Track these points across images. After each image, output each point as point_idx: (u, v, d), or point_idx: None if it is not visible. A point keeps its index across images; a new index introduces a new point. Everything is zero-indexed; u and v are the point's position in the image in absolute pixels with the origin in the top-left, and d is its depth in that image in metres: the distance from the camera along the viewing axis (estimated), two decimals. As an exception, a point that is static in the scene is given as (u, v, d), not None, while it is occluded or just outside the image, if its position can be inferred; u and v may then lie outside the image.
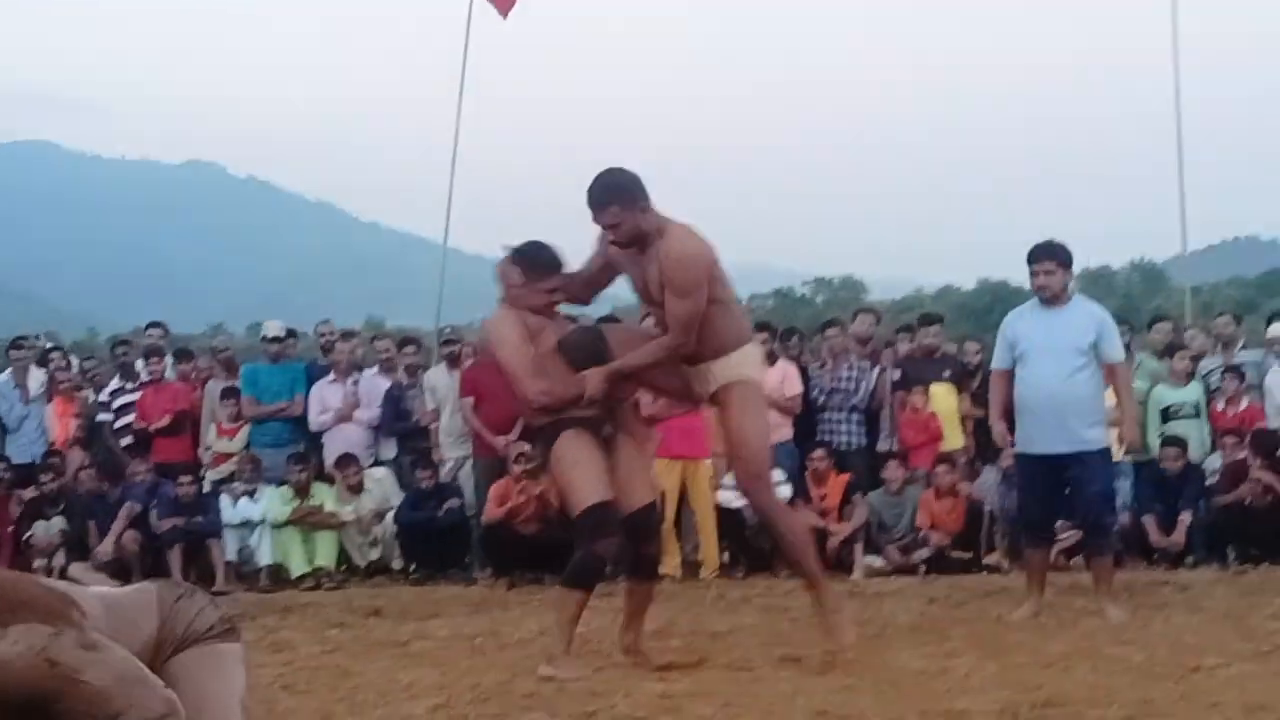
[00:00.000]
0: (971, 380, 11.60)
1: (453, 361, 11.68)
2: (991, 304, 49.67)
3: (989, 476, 11.20)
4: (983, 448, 11.39)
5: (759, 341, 6.36)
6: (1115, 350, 7.91)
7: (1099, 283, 58.77)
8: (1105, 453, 7.97)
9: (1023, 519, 8.44)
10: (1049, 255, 7.82)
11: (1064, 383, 7.69)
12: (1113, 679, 5.71)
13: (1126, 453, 8.42)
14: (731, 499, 10.62)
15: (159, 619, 3.29)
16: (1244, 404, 11.07)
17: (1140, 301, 44.12)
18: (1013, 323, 8.02)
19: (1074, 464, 7.76)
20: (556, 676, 6.03)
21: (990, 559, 10.59)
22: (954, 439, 11.33)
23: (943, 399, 11.36)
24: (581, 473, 6.26)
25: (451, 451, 11.45)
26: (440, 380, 11.59)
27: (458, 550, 11.29)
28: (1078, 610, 7.98)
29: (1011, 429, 8.14)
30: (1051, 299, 7.82)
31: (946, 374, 11.51)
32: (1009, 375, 7.96)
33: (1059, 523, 9.05)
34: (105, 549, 11.06)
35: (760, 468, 6.28)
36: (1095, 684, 5.60)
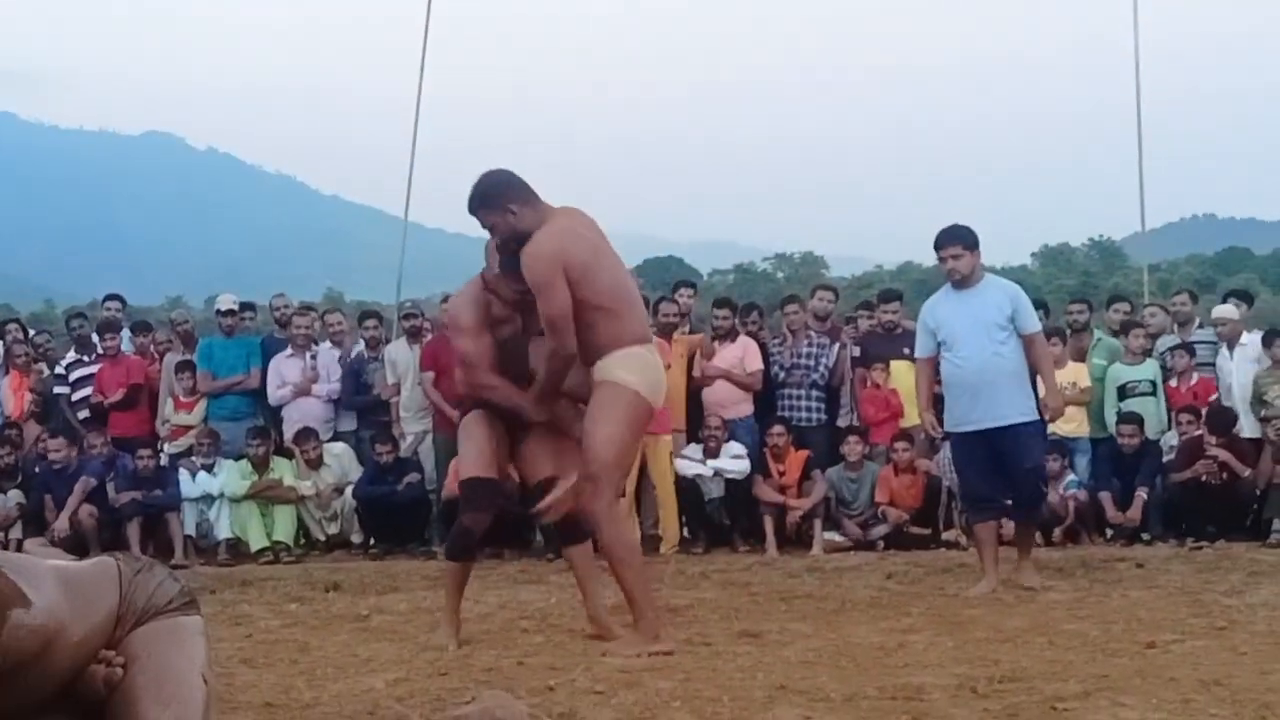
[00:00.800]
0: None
1: (413, 335, 11.66)
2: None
3: (948, 453, 11.24)
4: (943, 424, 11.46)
5: (652, 348, 6.23)
6: (1031, 322, 8.09)
7: (1058, 260, 59.13)
8: (1036, 424, 8.14)
9: (966, 496, 8.54)
10: (954, 240, 8.05)
11: (989, 360, 7.90)
12: (1069, 654, 5.74)
13: (1050, 420, 8.55)
14: (688, 467, 10.67)
15: (119, 592, 3.27)
16: (1194, 379, 11.17)
17: (1099, 279, 44.43)
18: (931, 309, 8.21)
19: (1006, 438, 7.91)
20: (433, 644, 6.24)
21: (949, 535, 10.65)
22: (914, 415, 11.34)
23: (903, 375, 11.34)
24: (469, 447, 6.48)
25: (412, 426, 11.44)
26: (400, 354, 11.57)
27: (417, 525, 11.28)
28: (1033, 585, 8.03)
29: (939, 414, 8.37)
30: (962, 281, 8.04)
31: (906, 350, 11.51)
32: (934, 362, 8.21)
33: None
34: (62, 524, 10.98)
35: (599, 470, 6.03)
36: (1052, 659, 5.62)
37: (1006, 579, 8.01)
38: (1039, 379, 8.29)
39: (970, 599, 7.56)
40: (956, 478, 8.85)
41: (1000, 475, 8.06)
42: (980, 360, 7.89)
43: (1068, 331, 11.52)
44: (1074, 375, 11.10)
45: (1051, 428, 10.74)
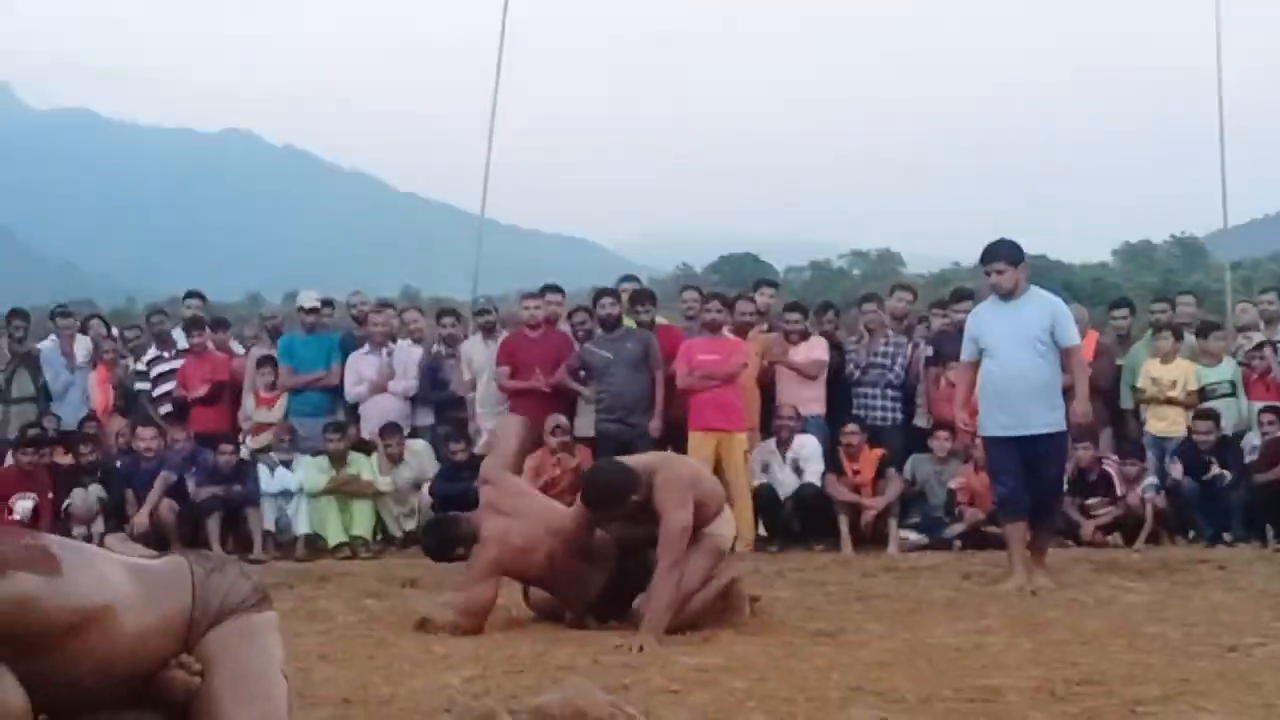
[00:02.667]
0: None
1: (488, 331, 11.71)
2: (1031, 278, 49.29)
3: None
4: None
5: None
6: (1070, 335, 8.41)
7: (1138, 257, 58.27)
8: (1062, 436, 8.46)
9: (996, 498, 8.74)
10: (998, 256, 8.46)
11: (1025, 370, 8.26)
12: (1149, 657, 5.68)
13: (1076, 427, 8.90)
14: (763, 471, 10.67)
15: (191, 593, 3.29)
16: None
17: (1180, 276, 43.76)
18: (975, 318, 8.66)
19: (1034, 445, 8.22)
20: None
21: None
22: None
23: (978, 374, 11.29)
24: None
25: (487, 422, 11.47)
26: (476, 351, 11.63)
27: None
28: (1114, 588, 7.97)
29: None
30: (1007, 295, 8.39)
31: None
32: (974, 366, 8.54)
33: (1092, 499, 9.63)
34: (142, 519, 11.08)
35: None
36: (1132, 662, 5.57)
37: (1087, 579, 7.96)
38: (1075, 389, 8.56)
39: (1047, 600, 7.53)
40: (992, 477, 8.95)
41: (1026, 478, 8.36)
42: (1016, 370, 8.25)
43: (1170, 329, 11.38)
44: (1178, 374, 10.98)
45: (1147, 428, 10.72)
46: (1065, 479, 9.46)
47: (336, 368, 11.95)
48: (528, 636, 6.65)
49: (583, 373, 11.14)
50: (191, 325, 12.38)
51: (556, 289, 12.02)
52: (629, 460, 7.00)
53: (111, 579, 3.20)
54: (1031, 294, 8.50)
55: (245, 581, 3.39)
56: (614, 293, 11.54)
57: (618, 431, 10.71)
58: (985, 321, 8.48)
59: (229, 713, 3.24)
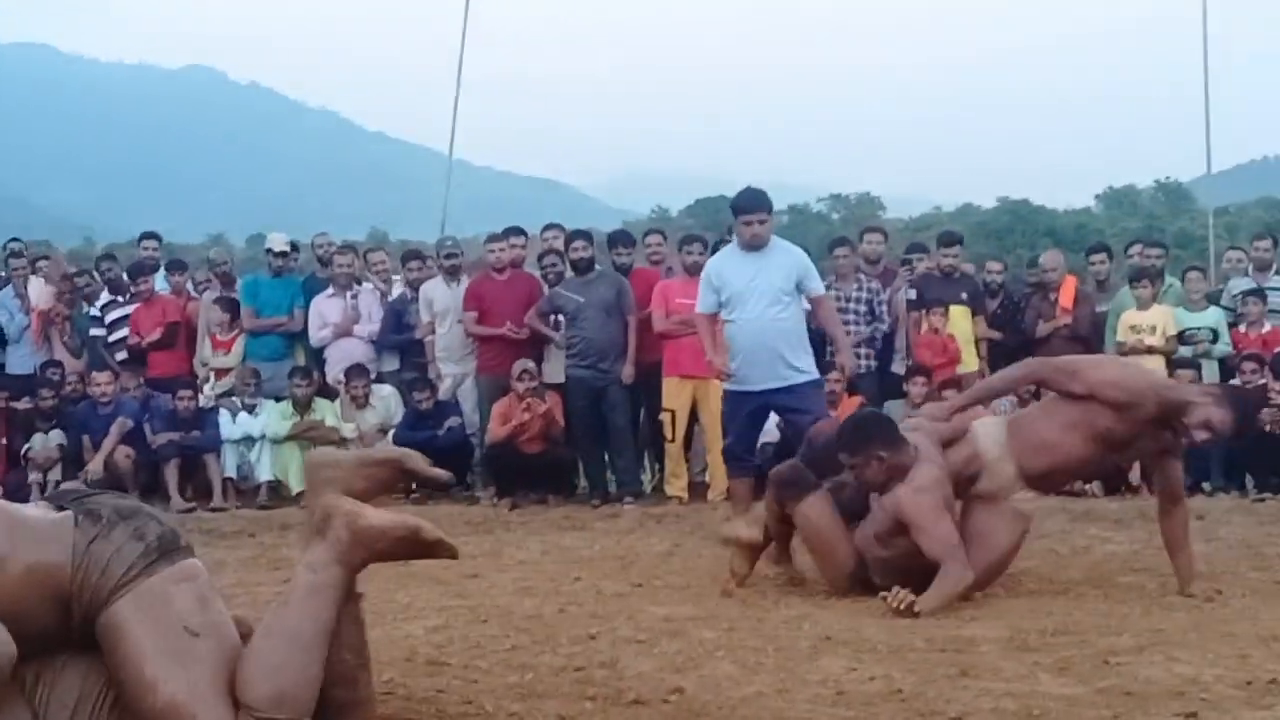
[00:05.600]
0: (990, 302, 11.49)
1: (451, 274, 11.50)
2: (1012, 224, 49.32)
3: (1003, 401, 11.09)
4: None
5: None
6: (818, 286, 8.48)
7: (1122, 203, 58.36)
8: (817, 382, 8.34)
9: (726, 451, 8.56)
10: (760, 206, 8.33)
11: (771, 322, 8.12)
12: (1124, 607, 5.64)
13: (843, 376, 9.14)
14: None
15: (71, 562, 3.13)
16: (1266, 328, 10.91)
17: (1164, 222, 43.84)
18: (718, 269, 8.35)
19: (785, 395, 8.12)
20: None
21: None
22: (970, 362, 11.20)
23: (959, 321, 11.20)
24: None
25: (450, 368, 11.33)
26: (438, 293, 11.41)
27: (459, 470, 11.21)
28: (1090, 537, 7.93)
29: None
30: (759, 246, 8.22)
31: (964, 296, 11.35)
32: (715, 317, 8.33)
33: None
34: (96, 465, 10.92)
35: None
36: (1106, 612, 5.53)
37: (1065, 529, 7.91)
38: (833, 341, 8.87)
39: (1024, 550, 7.43)
40: (724, 430, 8.75)
41: (756, 434, 8.52)
42: (760, 324, 8.10)
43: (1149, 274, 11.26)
44: (1157, 320, 10.89)
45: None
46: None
47: (300, 313, 11.77)
48: (492, 586, 6.56)
49: (554, 317, 10.98)
50: (137, 271, 12.15)
51: (519, 231, 11.79)
52: None
53: None
54: (775, 245, 8.33)
55: (134, 545, 3.18)
56: (586, 234, 11.36)
57: (589, 377, 10.56)
58: (729, 273, 8.23)
59: (151, 679, 3.10)
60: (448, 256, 11.65)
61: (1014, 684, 4.31)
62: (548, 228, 11.95)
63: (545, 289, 11.12)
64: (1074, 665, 4.54)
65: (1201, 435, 6.03)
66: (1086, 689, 4.23)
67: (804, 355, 8.23)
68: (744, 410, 8.27)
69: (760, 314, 8.09)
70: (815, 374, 8.30)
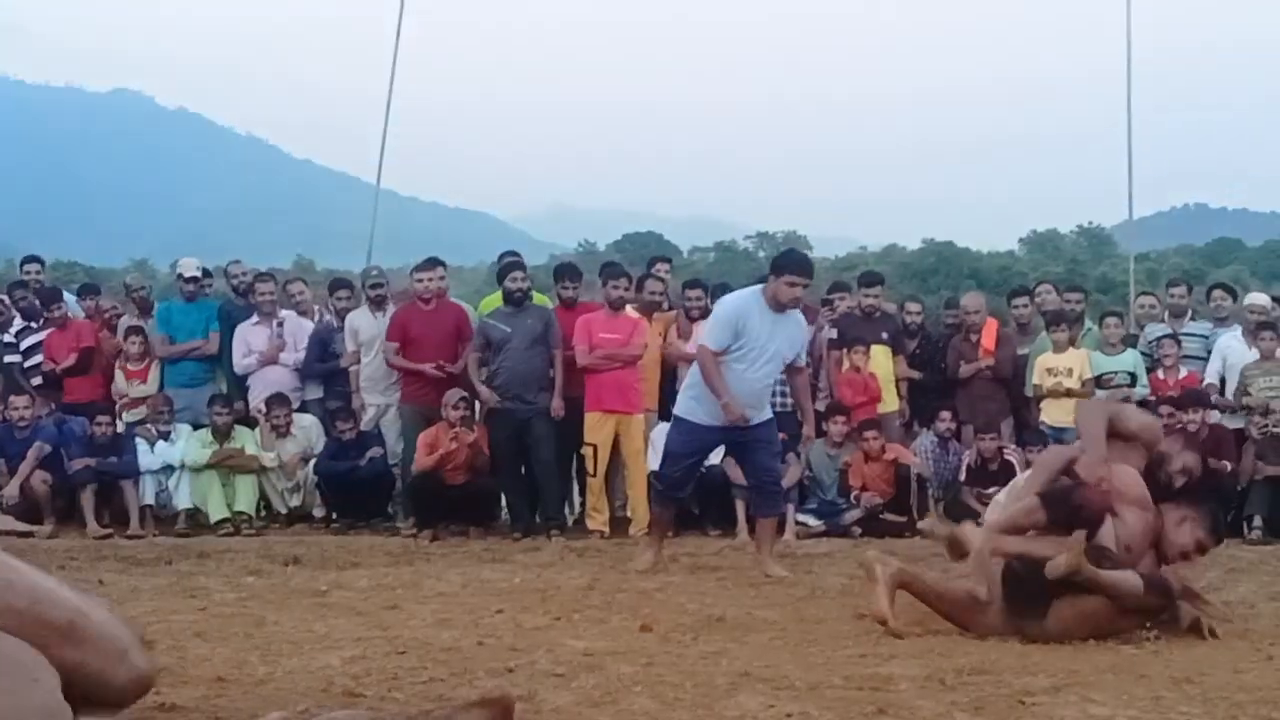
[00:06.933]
0: (909, 342, 11.59)
1: (377, 304, 11.45)
2: (935, 265, 49.81)
3: (924, 440, 11.19)
4: (918, 411, 11.41)
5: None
6: (804, 356, 8.89)
7: (1046, 247, 59.12)
8: (773, 422, 8.64)
9: (665, 478, 8.70)
10: (808, 272, 8.55)
11: (765, 378, 8.46)
12: (1040, 649, 5.65)
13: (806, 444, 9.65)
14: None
15: None
16: (1182, 373, 11.09)
17: (1087, 267, 44.48)
18: (745, 316, 8.36)
19: (744, 433, 8.37)
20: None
21: (924, 524, 10.53)
22: (890, 401, 11.29)
23: (880, 360, 11.30)
24: None
25: (374, 398, 11.26)
26: (363, 322, 11.35)
27: (380, 500, 11.15)
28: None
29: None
30: (787, 308, 8.41)
31: (885, 335, 11.44)
32: (721, 354, 8.34)
33: (993, 488, 9.33)
34: (12, 490, 10.76)
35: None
36: (1022, 653, 5.55)
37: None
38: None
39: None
40: (666, 459, 8.84)
41: (699, 467, 8.94)
42: (758, 378, 8.35)
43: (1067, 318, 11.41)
44: (1074, 363, 11.02)
45: (1043, 417, 10.72)
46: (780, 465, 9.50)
47: (215, 336, 11.66)
48: (412, 617, 6.51)
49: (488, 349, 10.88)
50: (50, 298, 11.96)
51: (439, 262, 11.68)
52: None
53: None
54: (793, 311, 8.53)
55: None
56: (522, 266, 11.34)
57: (514, 409, 10.53)
58: (755, 327, 8.33)
59: None
60: (373, 286, 11.59)
61: (929, 723, 4.32)
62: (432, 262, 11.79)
63: (472, 319, 11.10)
64: (990, 705, 4.55)
65: (1180, 481, 6.27)
66: (1001, 728, 4.24)
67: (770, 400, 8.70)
68: (702, 443, 8.52)
69: (762, 370, 8.33)
70: (770, 413, 8.61)
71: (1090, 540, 5.88)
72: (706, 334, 8.57)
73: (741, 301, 8.49)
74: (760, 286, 8.45)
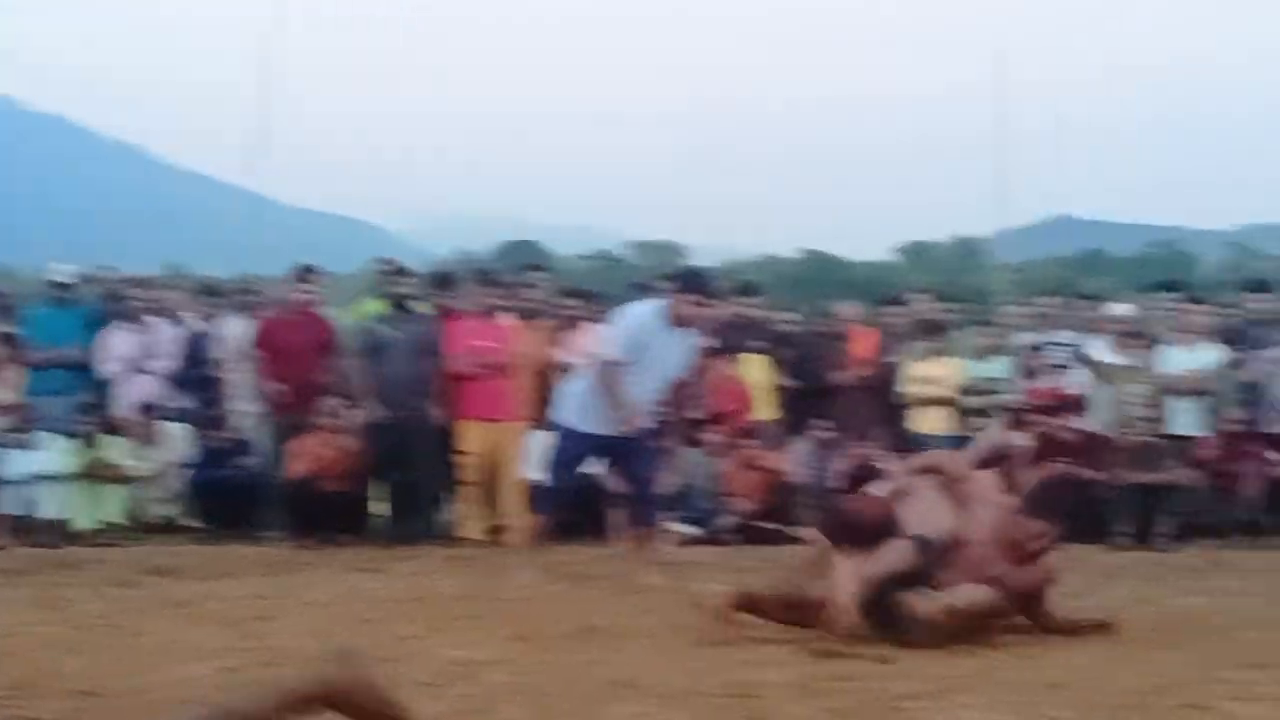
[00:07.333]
0: (784, 350, 11.68)
1: (249, 312, 11.30)
2: (812, 274, 50.34)
3: (800, 448, 11.28)
4: (793, 419, 11.49)
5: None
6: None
7: (920, 256, 59.97)
8: (652, 431, 8.84)
9: (552, 486, 8.92)
10: (713, 293, 8.84)
11: (654, 390, 8.62)
12: (911, 654, 5.69)
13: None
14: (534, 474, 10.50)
15: None
16: (1053, 380, 11.28)
17: (960, 277, 45.19)
18: (653, 331, 8.50)
19: (625, 442, 8.53)
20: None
21: (801, 532, 10.60)
22: (765, 409, 11.36)
23: (754, 368, 11.37)
24: None
25: (245, 405, 11.13)
26: (234, 330, 11.24)
27: (251, 508, 11.00)
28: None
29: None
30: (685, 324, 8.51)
31: (759, 343, 11.52)
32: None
33: None
34: None
35: None
36: (895, 659, 5.59)
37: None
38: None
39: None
40: (552, 467, 9.01)
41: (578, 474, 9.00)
42: (649, 390, 8.54)
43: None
44: (944, 371, 11.20)
45: (913, 425, 10.86)
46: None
47: (84, 346, 11.42)
48: (284, 628, 6.42)
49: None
50: None
51: (314, 270, 11.56)
52: None
53: None
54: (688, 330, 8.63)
55: None
56: (408, 273, 11.28)
57: (394, 416, 10.46)
58: (660, 345, 8.46)
59: None
60: (245, 294, 11.45)
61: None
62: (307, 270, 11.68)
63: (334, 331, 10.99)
64: (862, 710, 4.60)
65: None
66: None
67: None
68: (586, 450, 8.61)
69: (653, 384, 8.47)
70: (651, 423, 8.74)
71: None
72: (609, 345, 8.60)
73: (646, 314, 8.55)
74: (662, 302, 8.49)
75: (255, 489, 10.86)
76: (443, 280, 11.58)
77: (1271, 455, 10.82)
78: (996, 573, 6.04)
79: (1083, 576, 8.26)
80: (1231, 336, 11.42)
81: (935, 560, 5.92)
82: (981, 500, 6.22)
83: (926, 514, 6.05)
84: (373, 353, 10.64)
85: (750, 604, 6.23)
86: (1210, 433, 10.94)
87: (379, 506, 10.81)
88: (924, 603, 5.78)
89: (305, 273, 11.32)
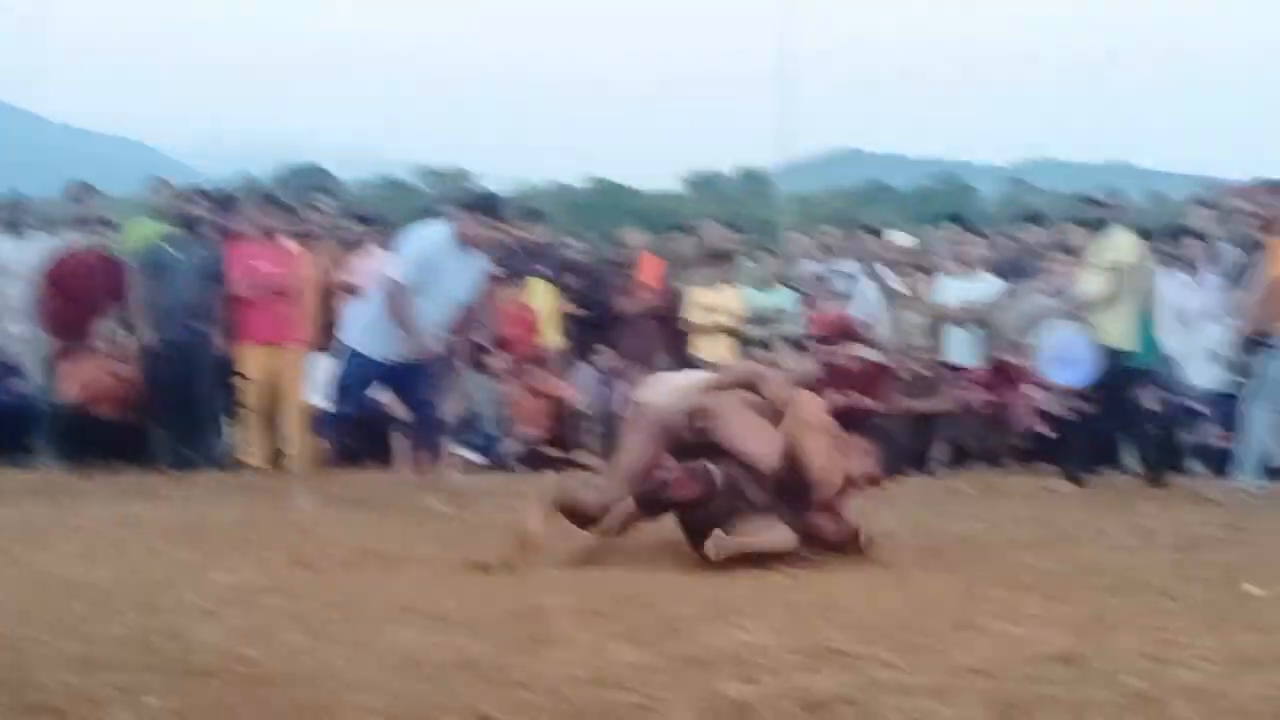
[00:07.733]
0: (571, 278, 11.69)
1: (14, 228, 10.89)
2: (600, 203, 50.29)
3: (585, 376, 11.32)
4: (579, 346, 11.52)
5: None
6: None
7: (706, 188, 60.31)
8: (438, 357, 8.63)
9: (337, 411, 8.63)
10: (502, 215, 8.75)
11: (441, 318, 8.37)
12: (690, 577, 5.78)
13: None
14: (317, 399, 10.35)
15: None
16: (834, 310, 11.49)
17: (746, 207, 45.56)
18: (441, 251, 8.27)
19: (410, 367, 8.35)
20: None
21: (585, 457, 10.67)
22: (551, 336, 11.37)
23: (540, 294, 11.36)
24: None
25: (15, 327, 10.73)
26: (4, 249, 10.81)
27: (21, 433, 10.63)
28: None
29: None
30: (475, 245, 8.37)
31: (545, 270, 11.50)
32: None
33: None
34: None
35: None
36: (673, 581, 5.67)
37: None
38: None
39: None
40: (338, 392, 8.69)
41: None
42: (436, 315, 8.28)
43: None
44: (728, 300, 11.30)
45: (697, 352, 10.98)
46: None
47: None
48: (53, 555, 6.23)
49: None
50: None
51: (89, 188, 11.26)
52: None
53: None
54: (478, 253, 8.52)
55: None
56: (205, 193, 10.98)
57: (175, 340, 10.21)
58: (444, 261, 8.26)
59: None
60: (12, 208, 11.02)
61: (585, 652, 4.38)
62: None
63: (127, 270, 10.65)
64: (643, 631, 4.64)
65: None
66: (654, 655, 4.33)
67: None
68: (371, 375, 8.38)
69: (440, 308, 8.24)
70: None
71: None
72: (395, 268, 8.31)
73: (433, 238, 8.34)
74: (451, 223, 8.35)
75: (25, 413, 10.50)
76: (224, 202, 11.27)
77: (1032, 390, 11.07)
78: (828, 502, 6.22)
79: (860, 503, 8.48)
80: (1006, 269, 11.77)
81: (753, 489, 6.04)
82: (808, 425, 6.25)
83: (751, 437, 6.13)
84: (153, 275, 10.34)
85: (570, 507, 6.30)
86: (984, 362, 11.26)
87: (158, 433, 10.53)
88: (722, 541, 5.89)
89: (81, 191, 10.97)
